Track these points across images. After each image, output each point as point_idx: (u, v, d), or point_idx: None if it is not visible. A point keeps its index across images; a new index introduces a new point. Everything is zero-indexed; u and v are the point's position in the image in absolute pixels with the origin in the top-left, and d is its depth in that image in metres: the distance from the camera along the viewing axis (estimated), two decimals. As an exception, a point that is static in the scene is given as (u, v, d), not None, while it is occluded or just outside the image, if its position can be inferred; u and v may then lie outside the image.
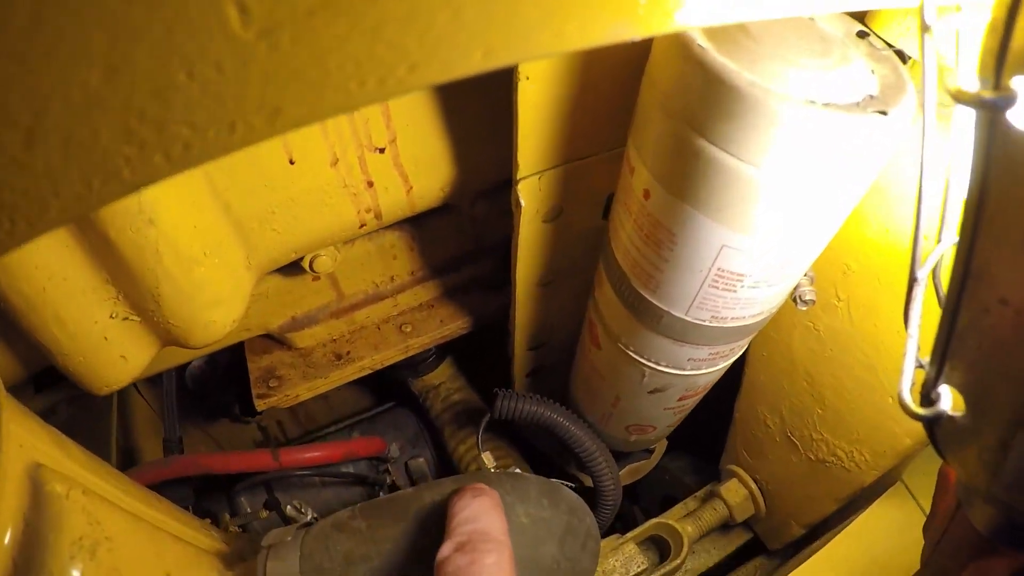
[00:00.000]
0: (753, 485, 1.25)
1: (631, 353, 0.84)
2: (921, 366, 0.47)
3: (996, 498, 0.46)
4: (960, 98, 0.30)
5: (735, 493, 1.25)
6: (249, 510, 1.27)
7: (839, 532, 1.05)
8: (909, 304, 0.45)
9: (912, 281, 0.45)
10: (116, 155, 0.20)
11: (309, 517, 0.82)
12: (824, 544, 1.06)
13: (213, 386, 1.53)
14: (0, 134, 0.19)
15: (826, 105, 0.50)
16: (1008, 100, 0.30)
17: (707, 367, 0.83)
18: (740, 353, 0.88)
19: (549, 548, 0.79)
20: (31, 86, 0.18)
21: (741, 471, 1.26)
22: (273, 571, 0.71)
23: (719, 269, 0.63)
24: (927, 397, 0.44)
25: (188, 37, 0.18)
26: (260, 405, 1.13)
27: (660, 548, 1.25)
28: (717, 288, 0.66)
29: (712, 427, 1.29)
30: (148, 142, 0.20)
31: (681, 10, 0.28)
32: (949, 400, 0.43)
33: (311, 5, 0.19)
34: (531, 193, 0.83)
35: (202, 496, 1.28)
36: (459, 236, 1.17)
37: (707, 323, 0.72)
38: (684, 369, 0.83)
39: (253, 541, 0.86)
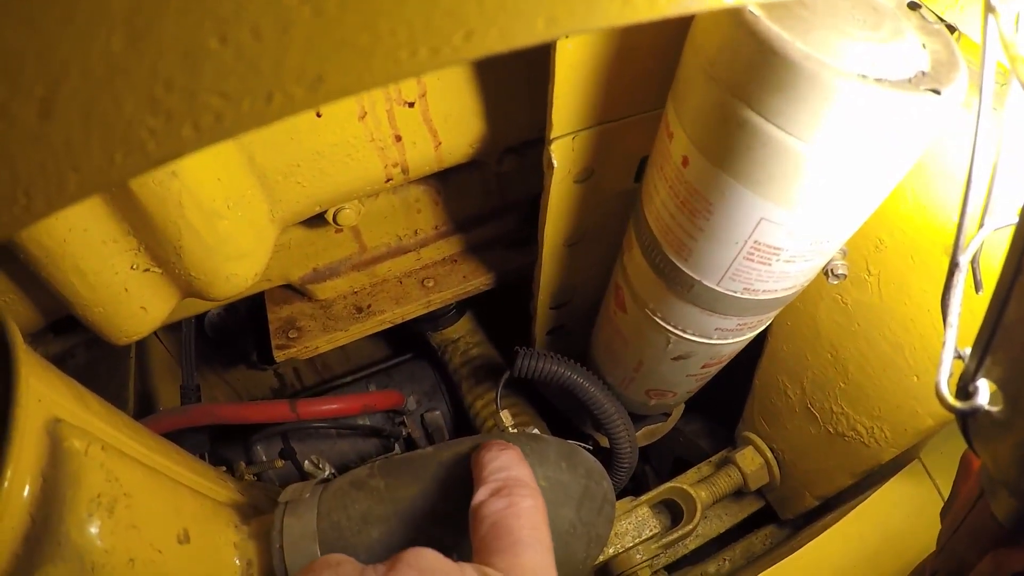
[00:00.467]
0: (769, 454, 1.24)
1: (657, 319, 0.83)
2: (960, 357, 0.45)
3: (1022, 491, 0.45)
4: None
5: (751, 461, 1.25)
6: (265, 459, 1.29)
7: (854, 507, 1.05)
8: (949, 291, 0.44)
9: (953, 266, 0.43)
10: (140, 127, 0.18)
11: (327, 473, 0.82)
12: (838, 519, 1.05)
13: (232, 333, 1.54)
14: (13, 105, 0.17)
15: (878, 81, 0.48)
16: None
17: (733, 337, 0.82)
18: (767, 324, 0.87)
19: (566, 512, 0.79)
20: (46, 52, 0.16)
21: (758, 439, 1.25)
22: (290, 528, 0.71)
23: (756, 242, 0.61)
24: (964, 390, 0.43)
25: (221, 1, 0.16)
26: (279, 356, 1.13)
27: (672, 512, 1.24)
28: (752, 261, 0.64)
29: (728, 392, 1.28)
30: (175, 113, 0.18)
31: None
32: (987, 394, 0.41)
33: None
34: (564, 153, 0.81)
35: (218, 443, 1.29)
36: (485, 192, 1.15)
37: (739, 295, 0.70)
38: (711, 338, 0.81)
39: (269, 492, 0.87)
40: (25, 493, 0.54)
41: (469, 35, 0.20)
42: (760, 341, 1.12)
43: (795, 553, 1.04)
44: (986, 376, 0.42)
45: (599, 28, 0.22)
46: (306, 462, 0.87)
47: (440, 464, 0.76)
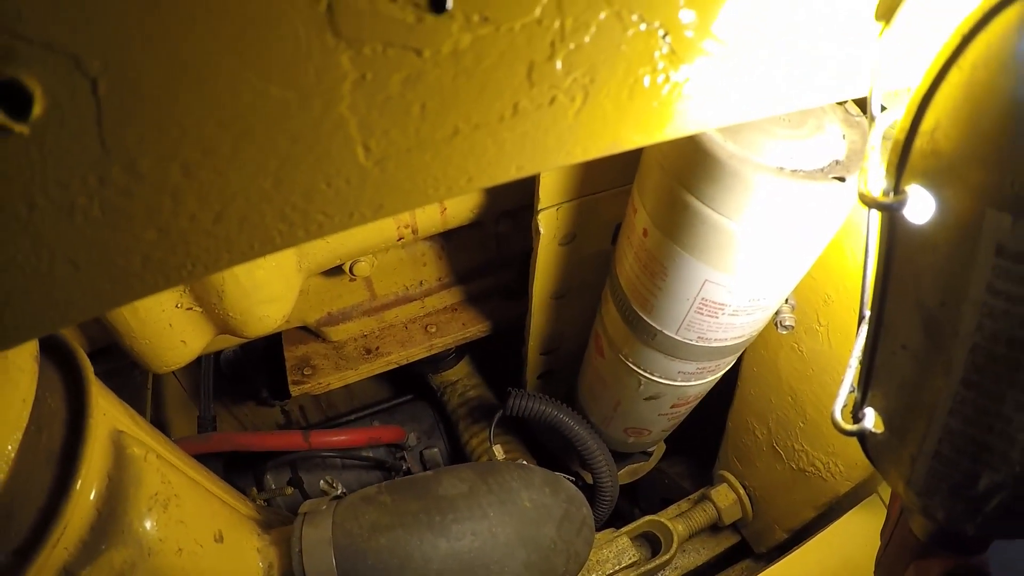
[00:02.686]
0: (742, 490, 1.34)
1: (630, 364, 0.95)
2: (854, 391, 0.57)
3: (927, 511, 0.56)
4: (865, 200, 0.41)
5: (724, 497, 1.35)
6: (274, 486, 1.39)
7: (815, 536, 1.15)
8: (857, 338, 0.56)
9: (861, 318, 0.55)
10: (273, 230, 0.30)
11: (340, 491, 0.93)
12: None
13: (245, 370, 1.64)
14: (198, 213, 0.29)
15: (794, 172, 0.61)
16: (902, 203, 0.40)
17: (695, 380, 0.94)
18: (726, 370, 0.99)
19: (548, 530, 0.90)
20: (225, 188, 0.28)
21: (731, 477, 1.36)
22: (308, 535, 0.82)
23: (703, 299, 0.74)
24: (855, 416, 0.55)
25: (330, 164, 0.29)
26: (295, 391, 1.24)
27: (652, 544, 1.34)
28: (702, 314, 0.76)
29: (709, 436, 1.39)
30: (295, 223, 0.30)
31: (670, 126, 0.38)
32: (872, 420, 0.53)
33: (409, 144, 0.29)
34: (549, 222, 0.95)
35: (230, 471, 1.39)
36: (483, 248, 1.28)
37: (694, 342, 0.83)
38: (675, 380, 0.94)
39: (279, 514, 0.98)
40: (93, 490, 0.65)
41: (470, 180, 0.32)
42: (731, 386, 1.24)
43: (761, 574, 1.14)
44: (871, 405, 0.54)
45: (550, 168, 0.34)
46: (321, 482, 0.98)
47: (439, 486, 0.88)
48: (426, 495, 0.86)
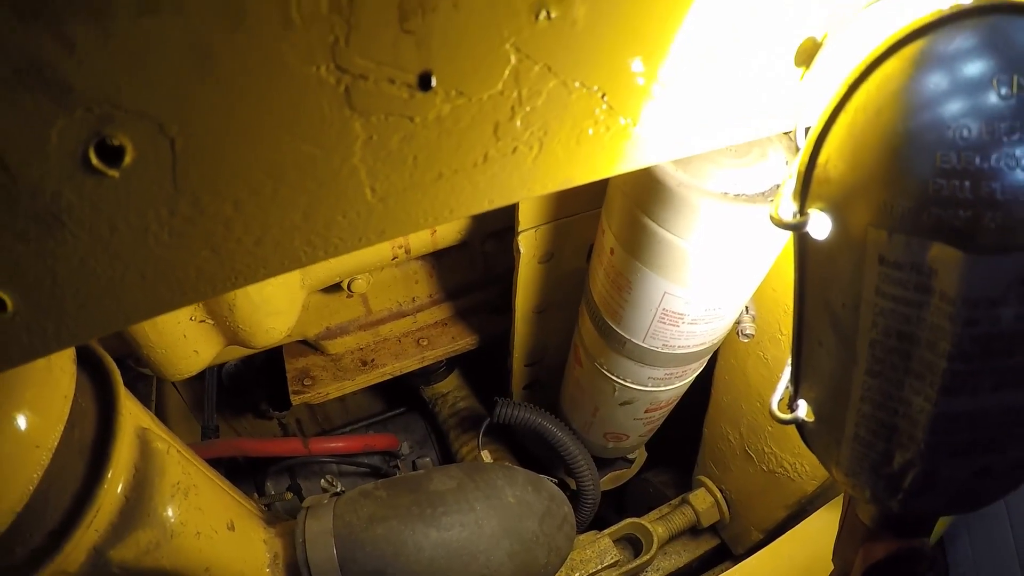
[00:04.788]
0: (719, 494, 1.43)
1: (604, 371, 1.04)
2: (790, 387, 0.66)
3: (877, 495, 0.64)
4: (774, 222, 0.50)
5: (702, 500, 1.44)
6: (274, 492, 1.47)
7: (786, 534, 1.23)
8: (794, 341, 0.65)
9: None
10: (300, 251, 0.39)
11: (339, 488, 1.02)
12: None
13: (246, 383, 1.72)
14: (243, 237, 0.38)
15: (736, 196, 0.70)
16: (804, 224, 0.49)
17: (664, 385, 1.03)
18: (693, 376, 1.08)
19: (530, 524, 0.98)
20: (266, 219, 0.37)
21: (708, 481, 1.44)
22: (311, 526, 0.91)
23: (664, 310, 0.83)
24: (790, 407, 0.63)
25: (345, 201, 0.37)
26: (295, 400, 1.33)
27: (634, 546, 1.42)
28: (664, 323, 0.86)
29: (691, 446, 1.48)
30: (317, 246, 0.39)
31: (614, 165, 0.47)
32: (804, 410, 0.62)
33: (405, 186, 0.38)
34: (529, 242, 1.04)
35: (232, 477, 1.47)
36: (471, 267, 1.38)
37: (660, 349, 0.92)
38: (646, 386, 1.03)
39: (279, 517, 1.06)
40: (122, 479, 0.73)
41: (452, 211, 0.40)
42: (706, 395, 1.33)
43: (732, 569, 1.22)
44: (803, 397, 0.63)
45: (516, 201, 0.43)
46: (322, 480, 1.07)
47: (429, 482, 0.97)
48: (418, 490, 0.94)
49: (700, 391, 1.25)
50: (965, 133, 0.38)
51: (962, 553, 1.43)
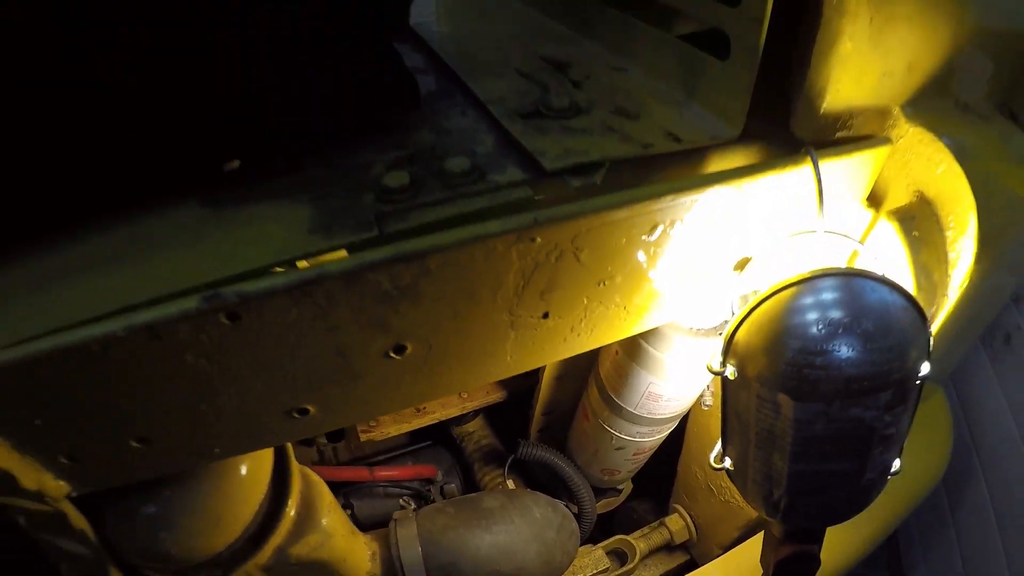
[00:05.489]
0: (688, 518, 1.81)
1: (605, 426, 1.46)
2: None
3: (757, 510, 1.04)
4: (708, 369, 0.91)
5: (675, 523, 1.82)
6: (336, 510, 1.86)
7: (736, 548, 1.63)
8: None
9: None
10: (471, 380, 0.80)
11: (412, 507, 1.42)
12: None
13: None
14: (452, 380, 0.79)
15: (696, 331, 1.12)
16: (724, 372, 0.90)
17: (647, 437, 1.45)
18: (668, 432, 1.49)
19: (550, 533, 1.39)
20: (462, 371, 0.78)
21: (681, 508, 1.83)
22: (401, 533, 1.30)
23: (649, 392, 1.25)
24: (722, 461, 1.04)
25: (499, 363, 0.79)
26: (364, 437, 1.73)
27: (620, 558, 1.80)
28: (649, 400, 1.28)
29: (667, 482, 1.86)
30: (481, 377, 0.81)
31: (620, 333, 0.89)
32: (729, 462, 1.03)
33: (526, 353, 0.80)
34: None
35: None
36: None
37: (646, 415, 1.34)
38: (635, 437, 1.44)
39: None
40: (296, 501, 1.12)
41: (543, 359, 0.82)
42: (679, 444, 1.73)
43: (695, 572, 1.60)
44: (727, 455, 1.03)
45: (580, 352, 0.86)
46: (400, 500, 1.48)
47: (481, 501, 1.37)
48: (475, 508, 1.35)
49: (675, 441, 1.65)
50: (801, 343, 0.79)
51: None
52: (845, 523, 1.38)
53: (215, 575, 1.02)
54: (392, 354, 0.71)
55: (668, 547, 1.88)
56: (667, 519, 1.85)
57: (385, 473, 1.77)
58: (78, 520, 0.84)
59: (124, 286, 0.66)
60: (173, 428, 0.70)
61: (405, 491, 1.91)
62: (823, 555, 1.36)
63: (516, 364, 0.82)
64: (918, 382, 0.81)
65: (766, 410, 0.83)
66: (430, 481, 2.01)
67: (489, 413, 2.10)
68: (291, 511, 1.07)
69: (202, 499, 0.93)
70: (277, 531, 1.07)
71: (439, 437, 2.15)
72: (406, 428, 1.75)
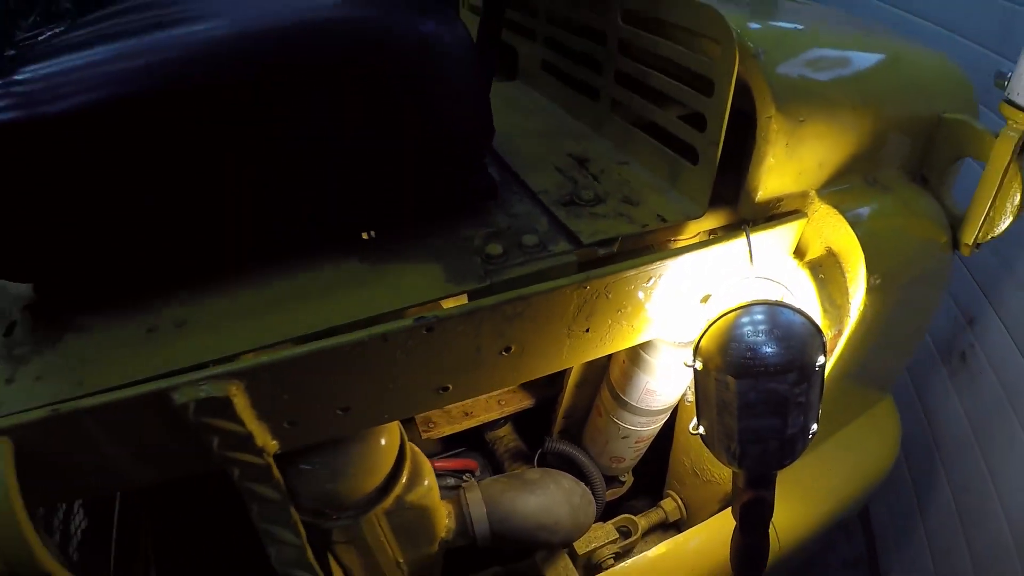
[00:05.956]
0: (679, 500, 2.24)
1: (614, 419, 1.95)
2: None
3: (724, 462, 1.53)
4: (685, 364, 1.41)
5: (669, 504, 2.26)
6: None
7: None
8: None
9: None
10: (542, 367, 1.29)
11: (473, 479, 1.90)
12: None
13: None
14: (531, 366, 1.27)
15: (677, 343, 1.62)
16: (694, 365, 1.39)
17: (646, 427, 1.94)
18: (662, 422, 1.98)
19: (575, 499, 1.86)
20: (534, 361, 1.26)
21: (673, 492, 2.26)
22: (470, 495, 1.78)
23: (646, 388, 1.75)
24: (696, 428, 1.53)
25: (558, 354, 1.28)
26: (424, 436, 2.21)
27: (625, 534, 2.27)
28: (647, 395, 1.77)
29: (660, 475, 2.31)
30: (545, 367, 1.28)
31: (624, 343, 1.39)
32: (702, 429, 1.52)
33: (574, 345, 1.29)
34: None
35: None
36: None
37: (644, 408, 1.83)
38: (636, 427, 1.93)
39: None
40: (408, 466, 1.59)
41: (590, 354, 1.31)
42: (670, 439, 2.21)
43: (682, 534, 2.08)
44: (701, 423, 1.51)
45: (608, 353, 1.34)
46: (464, 475, 1.97)
47: (525, 474, 1.86)
48: (522, 478, 1.83)
49: (665, 438, 2.14)
50: (740, 345, 1.29)
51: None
52: (805, 499, 1.88)
53: (350, 515, 1.49)
54: (503, 352, 1.21)
55: (663, 525, 2.28)
56: (662, 502, 2.28)
57: (440, 464, 2.25)
58: (276, 472, 1.15)
59: (335, 309, 1.13)
60: (367, 400, 1.18)
61: (448, 480, 2.40)
62: (789, 522, 1.83)
63: (568, 360, 1.31)
64: (817, 368, 1.30)
65: (720, 388, 1.32)
66: (472, 472, 2.49)
67: (516, 421, 2.59)
68: (407, 470, 1.53)
69: (357, 459, 1.40)
70: (399, 483, 1.49)
71: (472, 444, 2.60)
72: (457, 428, 2.23)
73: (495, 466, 2.56)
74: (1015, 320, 2.38)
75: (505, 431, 2.57)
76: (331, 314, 1.13)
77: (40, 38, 1.14)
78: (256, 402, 1.06)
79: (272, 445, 1.13)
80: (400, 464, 1.51)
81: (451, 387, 1.21)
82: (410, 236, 1.31)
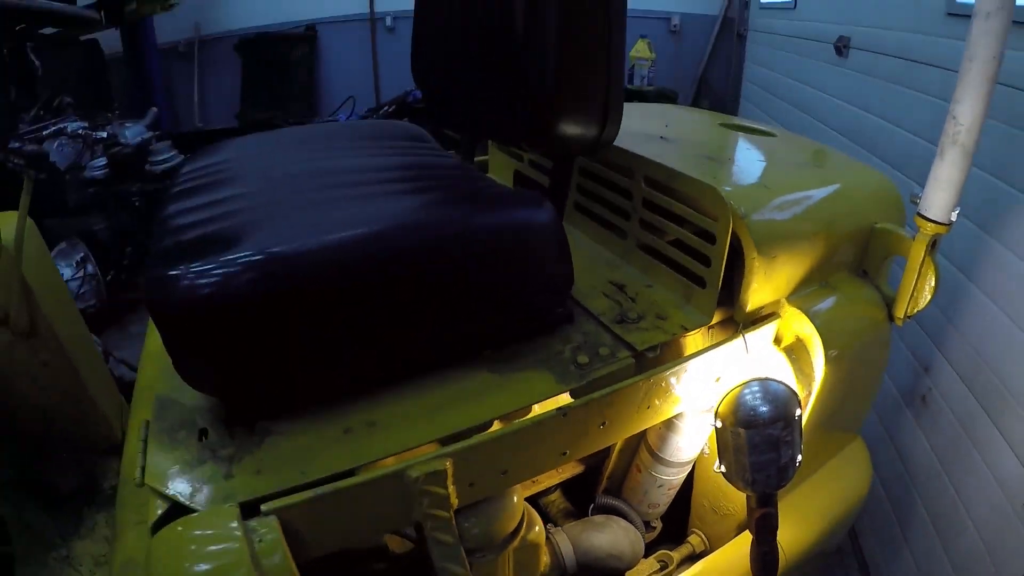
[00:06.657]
0: (703, 535, 2.71)
1: (652, 473, 2.58)
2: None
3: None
4: (711, 424, 2.06)
5: (695, 539, 2.68)
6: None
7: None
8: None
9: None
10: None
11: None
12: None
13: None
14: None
15: (697, 411, 2.29)
16: (717, 424, 2.05)
17: (675, 475, 2.56)
18: (686, 472, 2.60)
19: (631, 535, 2.48)
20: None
21: (696, 529, 2.75)
22: (558, 536, 2.39)
23: (678, 447, 2.39)
24: (718, 468, 2.18)
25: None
26: (501, 501, 2.81)
27: (664, 565, 2.87)
28: (678, 451, 2.41)
29: (682, 525, 2.92)
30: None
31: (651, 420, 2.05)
32: (724, 468, 2.16)
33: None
34: (622, 422, 2.60)
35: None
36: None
37: (675, 460, 2.47)
38: (667, 476, 2.57)
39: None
40: (527, 513, 2.21)
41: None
42: (690, 487, 2.79)
43: (701, 561, 2.67)
44: (722, 464, 2.17)
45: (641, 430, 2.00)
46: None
47: (593, 519, 2.48)
48: (592, 521, 2.45)
49: (690, 481, 2.77)
50: (745, 407, 1.96)
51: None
52: (801, 521, 2.48)
53: (494, 552, 1.78)
54: (601, 426, 1.86)
55: (692, 556, 2.78)
56: (689, 538, 2.83)
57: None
58: (454, 521, 1.41)
59: (487, 405, 1.75)
60: (518, 464, 1.80)
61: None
62: (792, 540, 2.36)
63: (637, 427, 1.94)
64: (796, 418, 1.97)
65: (735, 437, 1.95)
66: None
67: (563, 488, 3.20)
68: (527, 516, 2.13)
69: (500, 512, 1.97)
70: (523, 526, 1.79)
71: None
72: (527, 494, 2.84)
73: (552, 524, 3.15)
74: (962, 365, 2.81)
75: (556, 496, 3.16)
76: (485, 410, 1.77)
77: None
78: (456, 471, 1.43)
79: (455, 502, 1.43)
80: (523, 513, 2.13)
81: (568, 452, 1.86)
82: (520, 353, 1.98)
